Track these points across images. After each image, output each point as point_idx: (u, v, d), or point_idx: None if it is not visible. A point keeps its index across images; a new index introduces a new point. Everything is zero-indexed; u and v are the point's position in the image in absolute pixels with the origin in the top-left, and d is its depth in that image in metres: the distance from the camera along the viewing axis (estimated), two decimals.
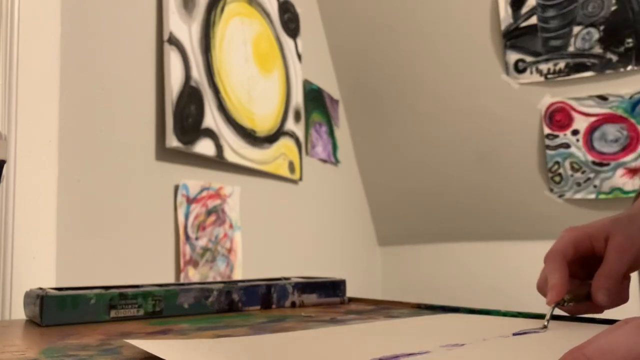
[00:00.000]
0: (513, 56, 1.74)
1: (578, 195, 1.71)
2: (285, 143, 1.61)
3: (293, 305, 0.65)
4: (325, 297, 0.67)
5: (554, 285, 0.45)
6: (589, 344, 0.24)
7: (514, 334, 0.42)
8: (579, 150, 1.71)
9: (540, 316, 0.52)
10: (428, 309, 0.62)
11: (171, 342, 0.39)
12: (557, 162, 1.75)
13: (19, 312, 0.82)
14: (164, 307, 0.57)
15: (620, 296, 0.47)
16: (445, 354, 0.34)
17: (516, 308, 0.61)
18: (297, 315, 0.57)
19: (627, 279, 0.47)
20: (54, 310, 0.50)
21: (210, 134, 1.29)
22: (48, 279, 0.91)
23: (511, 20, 1.73)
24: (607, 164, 1.68)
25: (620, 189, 1.65)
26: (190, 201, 1.25)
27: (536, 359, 0.34)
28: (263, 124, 1.52)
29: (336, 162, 1.99)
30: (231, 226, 1.38)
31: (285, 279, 0.69)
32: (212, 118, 1.30)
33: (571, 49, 1.67)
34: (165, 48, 1.20)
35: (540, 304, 0.76)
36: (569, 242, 0.46)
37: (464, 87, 1.85)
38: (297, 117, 1.69)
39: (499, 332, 0.43)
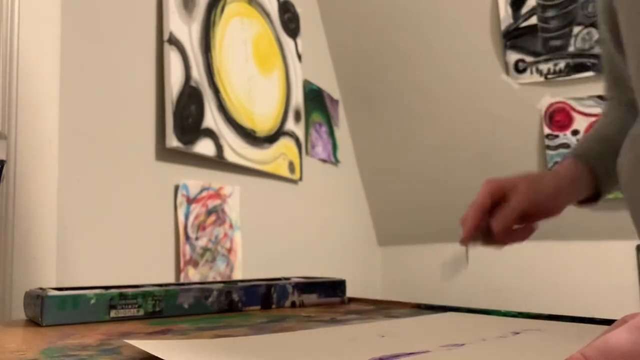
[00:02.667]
0: (513, 56, 1.74)
1: None
2: (285, 143, 1.61)
3: (293, 305, 0.65)
4: (325, 297, 0.67)
5: (466, 225, 0.56)
6: (589, 345, 0.24)
7: (514, 333, 0.42)
8: None
9: (541, 316, 0.52)
10: (428, 308, 0.62)
11: (171, 343, 0.39)
12: (558, 162, 1.74)
13: (19, 312, 0.82)
14: (164, 307, 0.57)
15: (516, 234, 0.59)
16: (445, 354, 0.34)
17: (516, 308, 0.61)
18: (297, 315, 0.57)
19: (528, 226, 0.60)
20: (54, 311, 0.50)
21: (210, 134, 1.29)
22: (48, 279, 0.91)
23: (511, 21, 1.73)
24: None
25: None
26: (190, 201, 1.25)
27: (536, 359, 0.34)
28: (263, 124, 1.52)
29: (336, 162, 1.99)
30: (231, 226, 1.38)
31: (285, 279, 0.69)
32: (212, 118, 1.30)
33: (571, 49, 1.67)
34: (165, 48, 1.20)
35: (541, 304, 0.76)
36: (487, 193, 0.56)
37: (464, 87, 1.85)
38: (297, 117, 1.69)
39: (499, 332, 0.43)
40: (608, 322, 0.47)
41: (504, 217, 0.56)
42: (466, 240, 0.55)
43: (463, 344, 0.38)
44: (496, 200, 0.57)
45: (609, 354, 0.22)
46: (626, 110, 0.69)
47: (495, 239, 0.57)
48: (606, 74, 0.72)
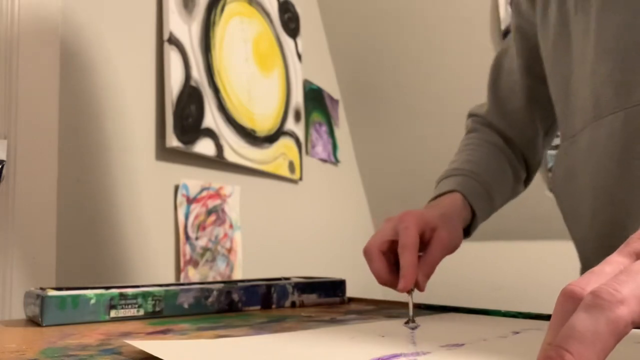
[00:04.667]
0: None
1: None
2: (285, 143, 1.61)
3: (293, 305, 0.65)
4: (325, 297, 0.67)
5: (408, 273, 0.51)
6: (558, 337, 0.24)
7: (514, 333, 0.42)
8: None
9: (541, 316, 0.52)
10: (428, 309, 0.62)
11: (171, 343, 0.39)
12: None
13: (19, 312, 0.82)
14: (164, 307, 0.57)
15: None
16: (445, 354, 0.34)
17: (516, 308, 0.61)
18: (297, 315, 0.57)
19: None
20: (54, 310, 0.50)
21: (210, 133, 1.29)
22: (48, 279, 0.91)
23: None
24: None
25: None
26: (190, 201, 1.25)
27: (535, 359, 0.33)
28: (263, 124, 1.52)
29: (336, 161, 1.99)
30: (231, 226, 1.38)
31: (285, 279, 0.69)
32: (212, 118, 1.30)
33: None
34: (166, 48, 1.20)
35: (540, 304, 0.76)
36: (417, 234, 0.53)
37: (464, 87, 1.85)
38: (297, 116, 1.69)
39: (498, 332, 0.43)
40: None
41: (429, 270, 0.54)
42: (409, 288, 0.51)
43: (463, 344, 0.38)
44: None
45: (583, 339, 0.23)
46: (496, 143, 0.74)
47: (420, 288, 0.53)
48: (504, 99, 0.75)
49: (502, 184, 0.70)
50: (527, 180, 0.79)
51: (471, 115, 0.85)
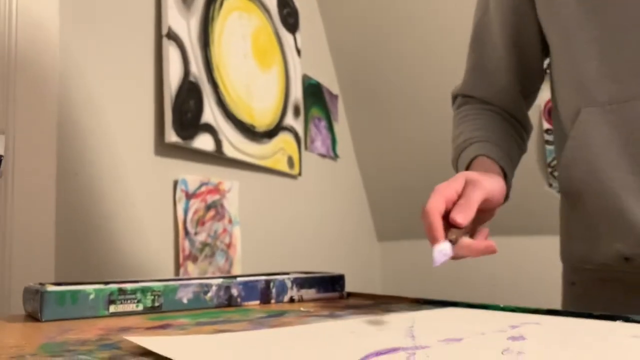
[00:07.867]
0: None
1: None
2: (284, 138, 1.61)
3: (292, 300, 0.65)
4: (324, 292, 0.67)
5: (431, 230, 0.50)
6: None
7: (512, 327, 0.42)
8: None
9: (539, 311, 0.52)
10: (427, 303, 0.62)
11: (169, 339, 0.39)
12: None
13: (18, 307, 0.82)
14: (163, 302, 0.57)
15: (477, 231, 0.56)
16: (444, 348, 0.34)
17: (515, 302, 0.61)
18: (296, 310, 0.57)
19: (482, 222, 0.57)
20: (53, 306, 0.50)
21: (209, 129, 1.29)
22: (47, 274, 0.91)
23: None
24: None
25: None
26: (189, 196, 1.25)
27: (534, 352, 0.34)
28: (262, 119, 1.52)
29: (335, 156, 1.99)
30: (230, 221, 1.38)
31: (284, 274, 0.69)
32: (211, 113, 1.30)
33: None
34: (164, 43, 1.19)
35: (540, 299, 0.76)
36: (441, 201, 0.52)
37: None
38: (296, 112, 1.69)
39: (497, 326, 0.43)
40: (604, 317, 0.47)
41: (464, 207, 0.52)
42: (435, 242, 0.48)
43: (461, 338, 0.38)
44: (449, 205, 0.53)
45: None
46: (492, 109, 0.74)
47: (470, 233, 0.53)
48: (488, 71, 0.76)
49: (512, 145, 0.70)
50: (525, 142, 0.78)
51: (458, 95, 0.85)
